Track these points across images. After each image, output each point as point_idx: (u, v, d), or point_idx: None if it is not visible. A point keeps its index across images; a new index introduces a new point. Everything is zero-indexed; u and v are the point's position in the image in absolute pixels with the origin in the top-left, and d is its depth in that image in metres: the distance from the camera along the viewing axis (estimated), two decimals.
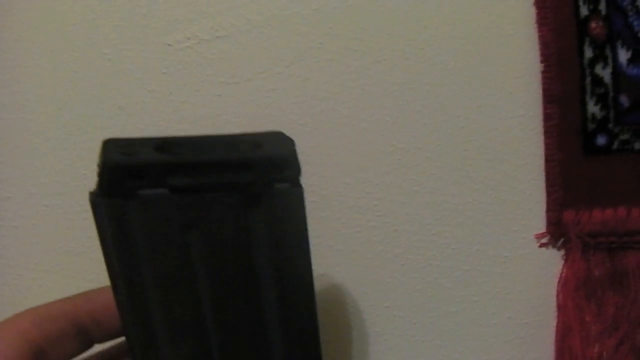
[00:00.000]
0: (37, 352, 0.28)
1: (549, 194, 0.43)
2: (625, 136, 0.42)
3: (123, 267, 0.25)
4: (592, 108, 0.42)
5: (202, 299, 0.26)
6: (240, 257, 0.26)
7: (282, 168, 0.26)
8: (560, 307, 0.42)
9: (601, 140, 0.42)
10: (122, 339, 0.31)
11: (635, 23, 0.43)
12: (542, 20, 0.43)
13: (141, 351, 0.26)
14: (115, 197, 0.24)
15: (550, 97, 0.43)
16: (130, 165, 0.24)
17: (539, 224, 0.42)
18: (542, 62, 0.43)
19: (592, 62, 0.43)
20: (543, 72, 0.43)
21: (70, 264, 0.44)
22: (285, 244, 0.26)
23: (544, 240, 0.43)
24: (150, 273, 0.25)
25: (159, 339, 0.26)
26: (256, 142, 0.26)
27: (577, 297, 0.42)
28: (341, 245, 0.43)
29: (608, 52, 0.43)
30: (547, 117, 0.43)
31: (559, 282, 0.42)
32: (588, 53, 0.43)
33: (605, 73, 0.42)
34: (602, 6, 0.43)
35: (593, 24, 0.43)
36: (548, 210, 0.42)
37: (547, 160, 0.43)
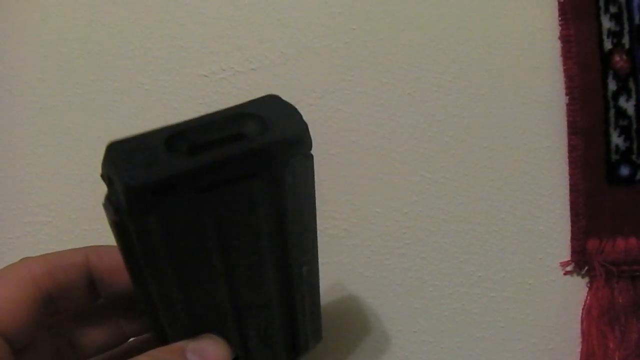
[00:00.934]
0: (47, 299, 0.28)
1: (573, 223, 0.44)
2: None
3: (152, 276, 0.25)
4: (616, 139, 0.44)
5: (233, 283, 0.27)
6: (255, 229, 0.27)
7: (296, 147, 0.26)
8: (584, 334, 0.43)
9: (624, 170, 0.44)
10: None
11: None
12: (567, 54, 0.44)
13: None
14: (142, 215, 0.23)
15: (575, 129, 0.44)
16: (154, 182, 0.23)
17: (564, 252, 0.44)
18: (567, 94, 0.44)
19: (616, 95, 0.44)
20: (568, 105, 0.44)
21: None
22: (297, 207, 0.27)
23: (568, 268, 0.44)
24: (177, 275, 0.26)
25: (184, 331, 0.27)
26: (262, 120, 0.26)
27: (600, 324, 0.43)
28: (371, 272, 0.44)
29: (631, 84, 0.44)
30: (571, 149, 0.44)
31: (583, 309, 0.43)
32: (612, 86, 0.44)
33: (628, 105, 0.44)
34: (626, 40, 0.44)
35: (617, 58, 0.44)
36: (572, 239, 0.44)
37: (571, 190, 0.44)
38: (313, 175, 0.28)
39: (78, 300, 0.30)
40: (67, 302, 0.29)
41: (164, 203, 0.23)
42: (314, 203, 0.29)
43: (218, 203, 0.25)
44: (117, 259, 0.27)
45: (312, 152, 0.27)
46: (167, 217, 0.24)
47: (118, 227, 0.24)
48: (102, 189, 0.25)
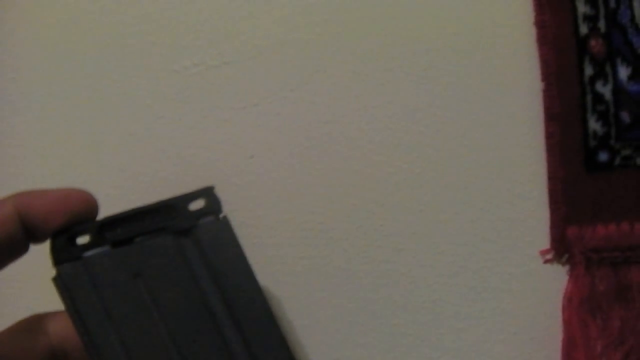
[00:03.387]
0: None
1: (552, 210, 0.43)
2: (626, 152, 0.43)
3: (92, 331, 0.28)
4: (594, 125, 0.43)
5: (163, 334, 0.28)
6: (189, 292, 0.28)
7: (204, 202, 0.28)
8: (566, 323, 0.43)
9: (603, 156, 0.43)
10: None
11: (634, 40, 0.43)
12: (542, 39, 0.43)
13: None
14: (65, 263, 0.27)
15: (552, 115, 0.43)
16: (70, 229, 0.27)
17: (543, 240, 0.43)
18: (542, 80, 0.43)
19: (593, 80, 0.43)
20: (544, 91, 0.43)
21: None
22: (225, 270, 0.29)
23: (548, 257, 0.43)
24: (112, 322, 0.28)
25: None
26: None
27: (582, 312, 0.42)
28: (349, 265, 0.43)
29: (608, 69, 0.43)
30: (548, 135, 0.43)
31: (564, 297, 0.43)
32: (588, 71, 0.43)
33: (605, 90, 0.43)
34: (602, 24, 0.43)
35: (593, 42, 0.43)
36: (552, 227, 0.43)
37: (549, 178, 0.43)
38: (235, 237, 0.28)
39: (15, 252, 0.28)
40: (4, 257, 0.28)
41: (83, 254, 0.27)
42: (250, 272, 0.29)
43: (138, 257, 0.28)
44: (49, 201, 0.28)
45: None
46: (91, 270, 0.27)
47: (57, 284, 0.27)
48: None
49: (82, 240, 0.28)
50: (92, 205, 0.28)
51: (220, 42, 0.45)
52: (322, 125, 0.44)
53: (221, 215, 0.28)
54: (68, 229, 0.28)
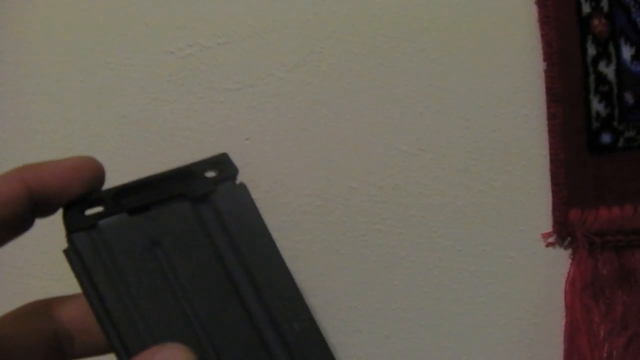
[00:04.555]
0: None
1: (554, 193, 0.42)
2: (630, 134, 0.42)
3: (109, 304, 0.26)
4: (597, 106, 0.42)
5: (185, 307, 0.27)
6: (209, 259, 0.27)
7: (219, 170, 0.28)
8: (568, 307, 0.42)
9: (606, 138, 0.42)
10: None
11: (638, 19, 0.42)
12: (544, 19, 0.43)
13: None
14: (79, 231, 0.26)
15: (554, 96, 0.42)
16: (83, 199, 0.26)
17: (545, 223, 0.42)
18: (544, 60, 0.43)
19: (596, 60, 0.42)
20: (546, 71, 0.42)
21: None
22: (245, 237, 0.28)
23: (550, 240, 0.42)
24: (130, 295, 0.27)
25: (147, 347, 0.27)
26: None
27: (584, 296, 0.42)
28: (347, 249, 0.43)
29: (611, 49, 0.42)
30: (551, 116, 0.42)
31: (566, 281, 0.42)
32: (591, 51, 0.42)
33: (609, 70, 0.42)
34: (605, 3, 0.42)
35: (595, 22, 0.42)
36: (554, 210, 0.42)
37: (551, 160, 0.42)
38: (254, 207, 0.28)
39: (19, 229, 0.27)
40: (7, 213, 0.26)
41: (98, 223, 0.26)
42: (271, 239, 0.28)
43: (155, 224, 0.27)
44: (62, 172, 0.27)
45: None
46: (106, 239, 0.26)
47: (70, 255, 0.26)
48: None
49: (96, 209, 0.26)
50: (101, 174, 0.28)
51: (214, 23, 0.44)
52: (318, 106, 0.43)
53: (238, 182, 0.28)
54: (82, 198, 0.26)
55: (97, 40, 0.45)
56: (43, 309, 0.28)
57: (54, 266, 0.45)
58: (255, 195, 0.27)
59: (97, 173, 0.27)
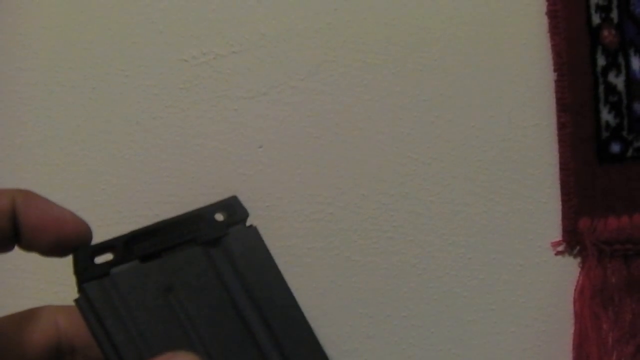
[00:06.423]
0: None
1: (564, 202, 0.43)
2: (639, 143, 0.43)
3: (123, 353, 0.26)
4: (606, 116, 0.43)
5: (200, 351, 0.27)
6: (222, 304, 0.28)
7: (228, 213, 0.28)
8: (577, 315, 0.42)
9: (615, 148, 0.43)
10: None
11: None
12: (555, 30, 0.43)
13: None
14: (91, 280, 0.26)
15: (564, 106, 0.43)
16: (95, 245, 0.26)
17: (555, 232, 0.43)
18: (555, 71, 0.43)
19: (605, 70, 0.43)
20: (556, 81, 0.43)
21: None
22: (258, 280, 0.28)
23: (560, 249, 0.43)
24: (144, 342, 0.27)
25: None
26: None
27: (593, 305, 0.42)
28: (358, 256, 0.43)
29: (621, 60, 0.43)
30: (560, 126, 0.43)
31: (575, 290, 0.42)
32: (601, 61, 0.43)
33: (618, 81, 0.43)
34: (614, 14, 0.43)
35: (605, 33, 0.43)
36: (563, 219, 0.43)
37: (561, 169, 0.43)
38: (266, 250, 0.28)
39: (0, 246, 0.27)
40: None
41: (110, 271, 0.26)
42: (284, 281, 0.28)
43: (167, 270, 0.26)
44: (46, 216, 0.26)
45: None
46: (119, 287, 0.26)
47: (81, 305, 0.26)
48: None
49: (106, 257, 0.26)
50: (84, 236, 0.27)
51: (228, 31, 0.45)
52: (331, 115, 0.44)
53: (248, 224, 0.28)
54: (92, 245, 0.26)
55: (111, 47, 0.46)
56: (51, 315, 0.28)
57: (67, 272, 0.46)
58: (264, 237, 0.27)
59: (79, 235, 0.27)
